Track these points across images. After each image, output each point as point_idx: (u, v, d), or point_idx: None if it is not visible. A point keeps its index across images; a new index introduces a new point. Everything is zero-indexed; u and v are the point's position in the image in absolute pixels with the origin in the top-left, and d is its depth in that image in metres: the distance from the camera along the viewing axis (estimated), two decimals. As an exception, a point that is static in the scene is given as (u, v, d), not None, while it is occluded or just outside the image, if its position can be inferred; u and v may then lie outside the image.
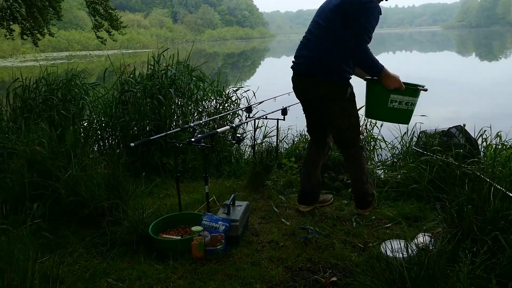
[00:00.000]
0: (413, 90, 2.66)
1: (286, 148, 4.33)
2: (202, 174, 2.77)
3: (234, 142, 2.82)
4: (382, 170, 3.68)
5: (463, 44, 42.28)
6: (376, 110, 2.80)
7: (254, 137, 3.98)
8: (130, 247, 2.58)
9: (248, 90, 4.94)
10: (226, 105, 4.76)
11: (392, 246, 2.34)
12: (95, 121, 4.28)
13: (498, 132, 3.59)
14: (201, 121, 3.16)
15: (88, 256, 2.53)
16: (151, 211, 2.92)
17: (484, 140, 3.66)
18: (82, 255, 2.51)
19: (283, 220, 2.91)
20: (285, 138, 4.54)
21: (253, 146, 3.92)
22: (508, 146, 3.41)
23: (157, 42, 49.99)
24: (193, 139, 2.43)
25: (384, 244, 2.36)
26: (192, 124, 2.98)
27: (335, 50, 2.61)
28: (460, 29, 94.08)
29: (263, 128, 4.76)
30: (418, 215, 2.78)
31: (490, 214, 2.01)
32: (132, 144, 2.46)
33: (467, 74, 15.65)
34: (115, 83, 4.36)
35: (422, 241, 2.40)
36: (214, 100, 4.77)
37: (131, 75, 4.38)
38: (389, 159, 4.13)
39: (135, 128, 4.04)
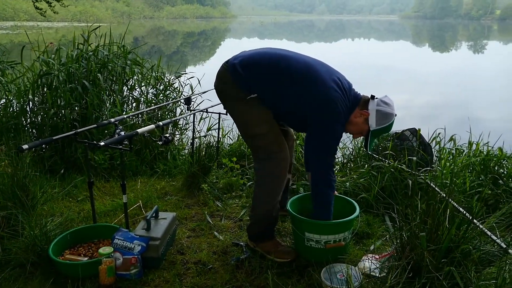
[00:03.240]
0: (329, 227, 2.16)
1: (230, 144, 3.94)
2: (121, 181, 2.33)
3: (160, 143, 2.39)
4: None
5: (418, 34, 43.40)
6: (298, 249, 2.28)
7: (193, 132, 3.56)
8: (25, 269, 2.12)
9: (192, 77, 4.49)
10: (167, 93, 4.30)
11: (334, 272, 2.05)
12: (8, 106, 3.68)
13: (453, 136, 3.38)
14: (124, 116, 2.70)
15: (-32, 283, 2.05)
16: (58, 221, 2.46)
17: (437, 143, 3.46)
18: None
19: (215, 233, 2.54)
20: (229, 133, 4.15)
21: (192, 143, 3.50)
22: (462, 152, 3.21)
23: (113, 16, 47.65)
24: (101, 143, 1.98)
25: (325, 270, 2.05)
26: (112, 120, 2.52)
27: None
28: (415, 19, 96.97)
29: (207, 120, 4.35)
30: (366, 231, 2.50)
31: (445, 244, 1.73)
32: (25, 147, 1.98)
33: (421, 64, 15.90)
34: (33, 64, 3.76)
35: (367, 266, 2.12)
36: (154, 88, 4.29)
37: (53, 55, 3.79)
38: (339, 158, 3.86)
39: (55, 117, 3.49)
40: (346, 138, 3.81)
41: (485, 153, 2.99)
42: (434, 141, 3.42)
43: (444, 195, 2.43)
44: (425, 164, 2.87)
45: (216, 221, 2.71)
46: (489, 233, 1.91)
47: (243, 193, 3.13)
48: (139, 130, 2.23)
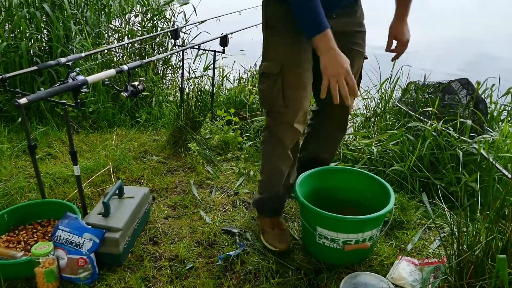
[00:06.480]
0: (350, 223, 1.53)
1: (228, 89, 3.26)
2: (69, 148, 1.71)
3: (125, 94, 1.73)
4: (351, 132, 2.75)
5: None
6: (308, 247, 1.71)
7: (182, 76, 2.86)
8: None
9: (187, 3, 3.71)
10: (154, 22, 3.55)
11: (356, 285, 1.49)
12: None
13: (510, 88, 2.66)
14: (82, 54, 2.03)
15: None
16: (1, 190, 1.91)
17: (488, 96, 2.75)
18: None
19: (202, 213, 1.97)
20: (229, 75, 3.45)
21: (180, 89, 2.83)
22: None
23: None
24: (22, 100, 1.33)
25: (345, 282, 1.49)
26: (63, 60, 1.85)
27: None
28: None
29: (204, 57, 3.64)
30: (399, 219, 1.90)
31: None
32: None
33: None
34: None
35: (405, 276, 1.55)
36: (138, 16, 3.53)
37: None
38: (360, 108, 3.19)
39: (8, 52, 2.80)
40: (371, 85, 3.11)
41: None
42: (483, 95, 2.71)
43: (509, 175, 1.80)
44: (480, 128, 2.20)
45: (205, 195, 2.12)
46: None
47: (242, 154, 2.52)
48: (90, 78, 1.57)
